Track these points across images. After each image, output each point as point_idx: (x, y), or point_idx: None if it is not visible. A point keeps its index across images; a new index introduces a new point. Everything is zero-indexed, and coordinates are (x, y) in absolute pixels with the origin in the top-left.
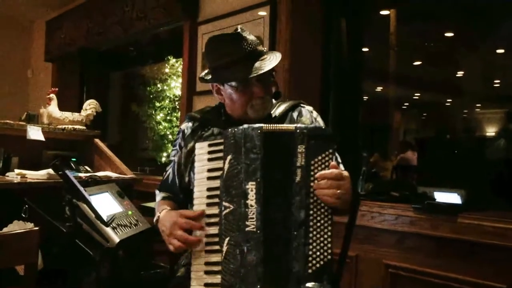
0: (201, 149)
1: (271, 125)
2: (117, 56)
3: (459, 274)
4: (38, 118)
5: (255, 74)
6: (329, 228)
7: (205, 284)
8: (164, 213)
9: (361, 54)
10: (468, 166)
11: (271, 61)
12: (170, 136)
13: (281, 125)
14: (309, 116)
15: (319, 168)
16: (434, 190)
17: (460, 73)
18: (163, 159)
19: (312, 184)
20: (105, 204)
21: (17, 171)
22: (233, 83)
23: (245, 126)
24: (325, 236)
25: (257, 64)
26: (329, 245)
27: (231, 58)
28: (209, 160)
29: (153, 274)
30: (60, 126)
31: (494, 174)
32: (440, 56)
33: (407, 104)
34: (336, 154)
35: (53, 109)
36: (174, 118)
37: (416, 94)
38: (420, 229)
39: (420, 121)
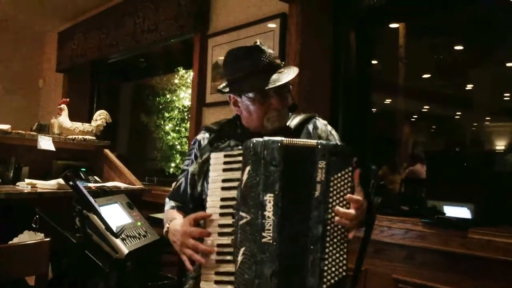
0: (217, 159)
1: (292, 139)
2: (127, 67)
3: None
4: (49, 128)
5: (272, 86)
6: (345, 244)
7: None
8: (173, 223)
9: (370, 66)
10: (478, 180)
11: (288, 74)
12: (178, 147)
13: (301, 139)
14: (324, 129)
15: (339, 185)
16: (443, 204)
17: (469, 86)
18: (171, 170)
19: (331, 200)
20: (115, 215)
21: (27, 180)
22: (251, 95)
23: (266, 138)
24: (341, 252)
25: (274, 76)
26: (344, 262)
27: (249, 70)
28: (225, 170)
29: (161, 285)
30: (70, 136)
31: (505, 188)
32: (450, 69)
33: (416, 116)
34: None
35: (64, 119)
36: (183, 129)
37: (425, 107)
38: (430, 244)
39: (429, 133)
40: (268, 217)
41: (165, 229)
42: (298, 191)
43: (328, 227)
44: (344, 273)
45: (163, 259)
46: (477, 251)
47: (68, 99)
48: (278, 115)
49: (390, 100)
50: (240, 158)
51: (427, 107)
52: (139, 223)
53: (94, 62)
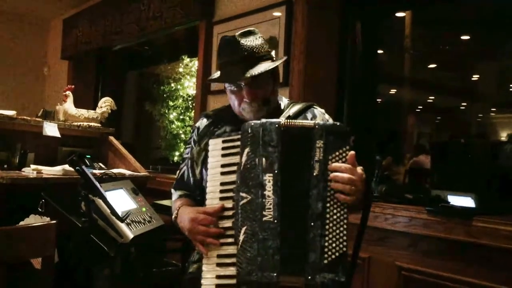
0: (215, 145)
1: (290, 120)
2: (132, 55)
3: (474, 278)
4: (54, 115)
5: (237, 80)
6: (345, 221)
7: (217, 276)
8: (182, 210)
9: (376, 56)
10: (482, 170)
11: (265, 65)
12: (182, 136)
13: (300, 120)
14: (322, 117)
15: (337, 164)
16: (447, 194)
17: (475, 77)
18: (176, 158)
19: (329, 178)
20: (120, 200)
21: (33, 166)
22: (227, 84)
23: (263, 120)
24: (341, 228)
25: (250, 70)
26: (344, 238)
27: (226, 60)
28: (223, 155)
29: (165, 272)
30: (75, 123)
31: (507, 178)
32: (456, 60)
33: (421, 107)
34: None
35: (69, 106)
36: (187, 118)
37: (430, 98)
38: (434, 232)
39: (434, 124)
40: (268, 196)
41: (174, 215)
42: (297, 170)
43: (328, 205)
44: (344, 249)
45: (167, 245)
46: (481, 239)
47: (73, 86)
48: (249, 107)
49: (395, 91)
50: (239, 143)
51: (432, 98)
52: (144, 209)
53: (99, 50)
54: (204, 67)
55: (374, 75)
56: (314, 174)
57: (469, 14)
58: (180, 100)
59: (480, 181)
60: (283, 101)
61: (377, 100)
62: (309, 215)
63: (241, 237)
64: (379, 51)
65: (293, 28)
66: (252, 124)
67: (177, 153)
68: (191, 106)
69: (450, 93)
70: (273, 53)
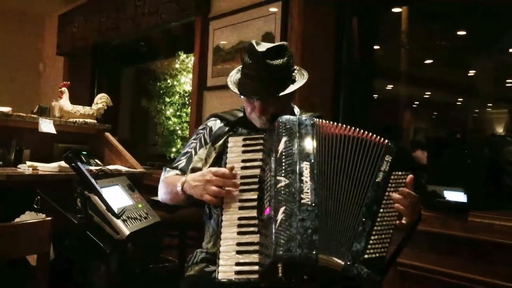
0: (235, 142)
1: (325, 121)
2: (128, 51)
3: (469, 273)
4: (49, 111)
5: (251, 96)
6: (391, 231)
7: (237, 264)
8: (191, 175)
9: (372, 52)
10: (478, 166)
11: (281, 91)
12: (179, 132)
13: (361, 130)
14: None
15: (397, 181)
16: (443, 189)
17: (471, 72)
18: (172, 155)
19: (388, 189)
20: (116, 196)
21: (28, 163)
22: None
23: (298, 116)
24: (387, 235)
25: (266, 90)
26: (386, 245)
27: (247, 72)
28: (244, 152)
29: (162, 268)
30: (71, 120)
31: (504, 174)
32: (452, 55)
33: (418, 103)
34: None
35: (65, 102)
36: (184, 114)
37: (427, 93)
38: (430, 227)
39: (430, 120)
40: (306, 182)
41: (180, 183)
42: (349, 169)
43: (381, 210)
44: (384, 254)
45: (164, 242)
46: (477, 234)
47: (69, 82)
48: (258, 119)
49: (392, 86)
50: (260, 141)
51: (429, 93)
52: (140, 205)
53: (94, 46)
54: (200, 63)
55: (371, 70)
56: (377, 180)
57: (465, 9)
58: (177, 96)
59: (476, 176)
60: (296, 109)
61: (374, 95)
62: (362, 211)
63: (280, 217)
64: (376, 47)
65: (289, 24)
66: (289, 117)
67: (173, 150)
68: (187, 102)
69: (446, 89)
70: (296, 71)
